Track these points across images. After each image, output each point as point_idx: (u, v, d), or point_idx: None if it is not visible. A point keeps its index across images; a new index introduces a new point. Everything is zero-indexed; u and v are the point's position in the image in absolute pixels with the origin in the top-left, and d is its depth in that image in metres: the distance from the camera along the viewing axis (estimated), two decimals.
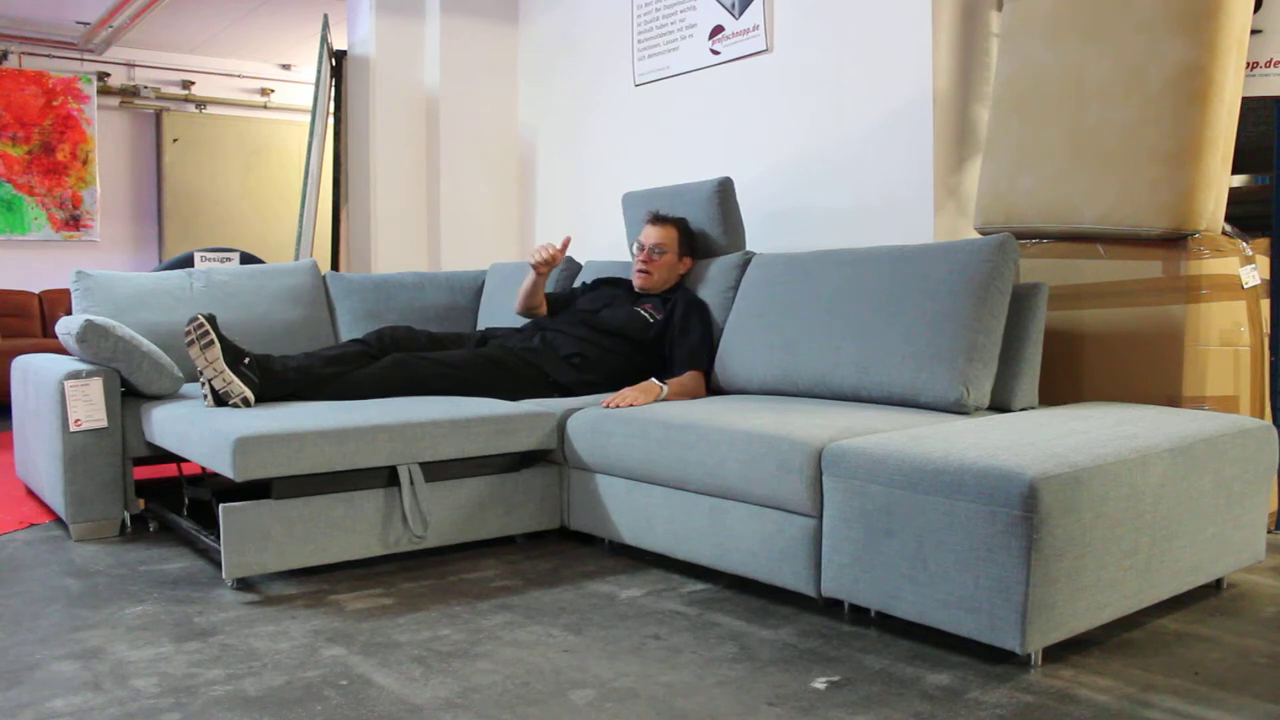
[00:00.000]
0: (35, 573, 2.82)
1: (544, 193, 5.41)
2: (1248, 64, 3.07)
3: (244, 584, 2.68)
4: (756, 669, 2.08)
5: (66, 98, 7.58)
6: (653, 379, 3.18)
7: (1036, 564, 1.97)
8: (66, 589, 2.67)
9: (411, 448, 2.80)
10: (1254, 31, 3.07)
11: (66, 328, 3.23)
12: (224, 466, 2.61)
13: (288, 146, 8.29)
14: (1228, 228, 3.05)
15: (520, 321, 3.72)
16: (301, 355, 3.17)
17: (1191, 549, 2.33)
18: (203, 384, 2.93)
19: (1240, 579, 2.65)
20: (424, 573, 2.79)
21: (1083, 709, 1.87)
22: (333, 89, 5.61)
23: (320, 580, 2.72)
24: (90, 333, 3.07)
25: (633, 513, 2.85)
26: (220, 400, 2.92)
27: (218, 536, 2.64)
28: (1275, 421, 3.09)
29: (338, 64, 5.62)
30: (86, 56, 7.64)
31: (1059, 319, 3.08)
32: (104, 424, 3.14)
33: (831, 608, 2.44)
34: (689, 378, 3.26)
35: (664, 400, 3.06)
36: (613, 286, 3.70)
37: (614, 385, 3.29)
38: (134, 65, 7.97)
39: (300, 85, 8.43)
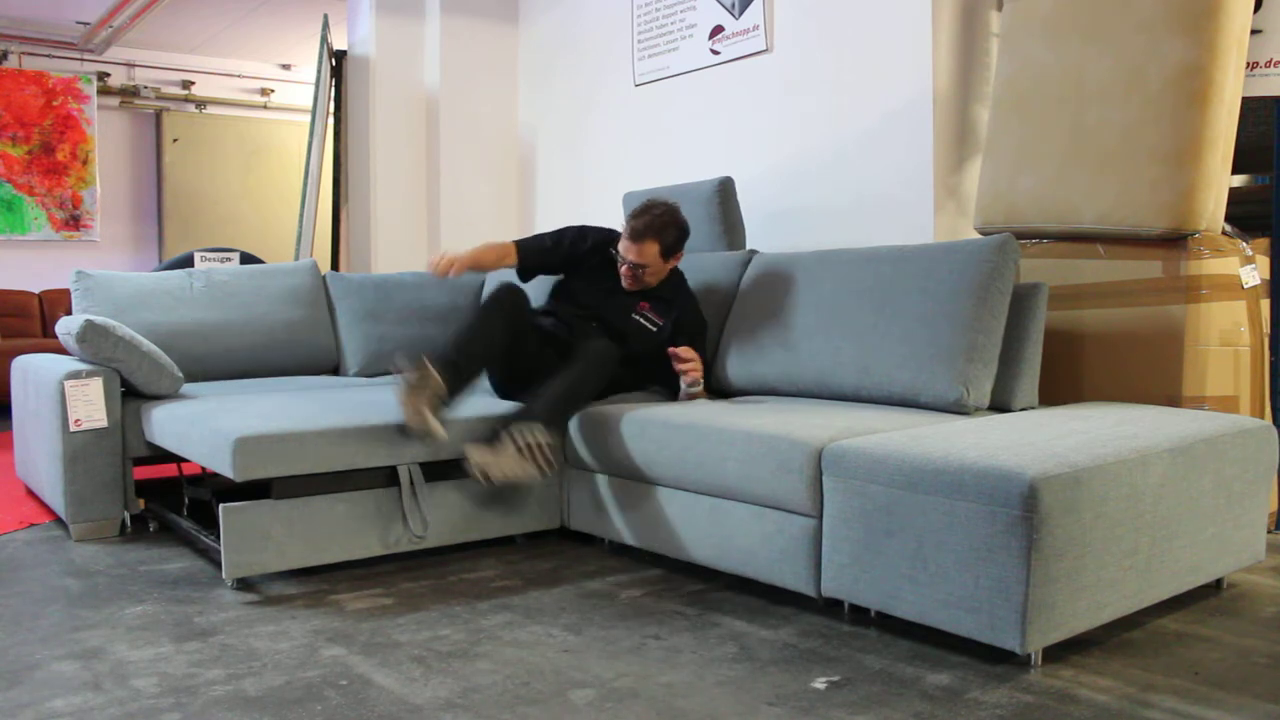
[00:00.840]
0: (35, 573, 2.82)
1: (544, 193, 5.41)
2: (1248, 64, 3.07)
3: (244, 584, 2.68)
4: (756, 669, 2.08)
5: (66, 98, 7.57)
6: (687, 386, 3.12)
7: (1036, 564, 1.97)
8: (66, 589, 2.67)
9: (411, 448, 2.80)
10: (1254, 31, 3.07)
11: (66, 328, 3.23)
12: (224, 466, 2.61)
13: (288, 146, 8.28)
14: (1228, 228, 3.05)
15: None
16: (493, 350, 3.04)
17: (1191, 549, 2.33)
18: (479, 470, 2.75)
19: (1240, 579, 2.65)
20: (424, 573, 2.79)
21: (1083, 709, 1.87)
22: (333, 89, 5.61)
23: (320, 580, 2.72)
24: (90, 333, 3.07)
25: (633, 513, 2.85)
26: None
27: (218, 536, 2.64)
28: (1275, 421, 3.09)
29: (338, 64, 5.62)
30: (86, 56, 7.64)
31: (1059, 319, 3.08)
32: (104, 424, 3.14)
33: (831, 608, 2.44)
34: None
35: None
36: (607, 266, 3.37)
37: (612, 389, 3.19)
38: (134, 65, 7.97)
39: (300, 85, 8.43)
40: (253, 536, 2.61)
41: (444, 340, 3.16)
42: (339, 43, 5.67)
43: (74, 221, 7.64)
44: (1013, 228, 3.17)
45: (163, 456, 3.26)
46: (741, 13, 4.19)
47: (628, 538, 2.88)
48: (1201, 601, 2.48)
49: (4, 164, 7.38)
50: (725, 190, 3.69)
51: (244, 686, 2.00)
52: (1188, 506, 2.30)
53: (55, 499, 3.22)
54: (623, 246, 3.26)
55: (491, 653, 2.18)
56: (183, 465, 3.32)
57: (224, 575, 2.61)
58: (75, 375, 3.10)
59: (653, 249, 3.20)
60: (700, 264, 3.60)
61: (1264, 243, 3.17)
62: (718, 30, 4.30)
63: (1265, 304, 3.13)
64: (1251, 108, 3.19)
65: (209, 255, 5.32)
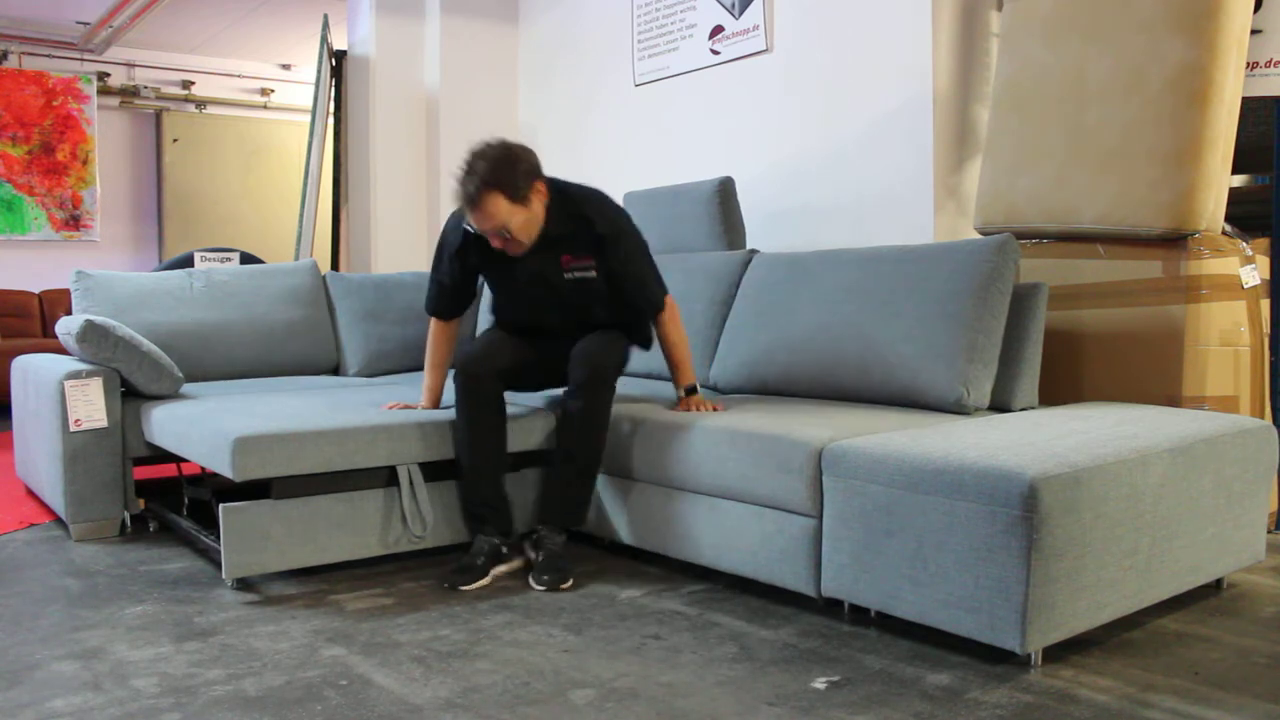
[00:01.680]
0: (35, 573, 2.82)
1: None
2: (1248, 64, 3.07)
3: (244, 584, 2.68)
4: (756, 669, 2.08)
5: (66, 98, 7.57)
6: (684, 393, 2.92)
7: (1036, 564, 1.97)
8: (66, 589, 2.67)
9: (411, 448, 2.80)
10: (1254, 31, 3.07)
11: (66, 328, 3.23)
12: (224, 466, 2.61)
13: (288, 146, 8.28)
14: (1228, 228, 3.05)
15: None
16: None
17: (1191, 549, 2.33)
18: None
19: (1240, 579, 2.65)
20: (424, 573, 2.79)
21: (1083, 709, 1.87)
22: (333, 89, 5.61)
23: (320, 580, 2.72)
24: (90, 333, 3.07)
25: (633, 513, 2.85)
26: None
27: (218, 536, 2.64)
28: (1275, 421, 3.09)
29: (338, 64, 5.62)
30: (86, 56, 7.64)
31: (1059, 319, 3.08)
32: (104, 424, 3.14)
33: (831, 608, 2.44)
34: (677, 334, 2.96)
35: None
36: (489, 249, 2.86)
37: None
38: (134, 65, 7.97)
39: (300, 85, 8.43)
40: (253, 536, 2.61)
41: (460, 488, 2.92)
42: (339, 43, 5.67)
43: (74, 221, 7.64)
44: (1013, 228, 3.17)
45: (163, 456, 3.26)
46: (741, 13, 4.19)
47: (628, 537, 2.88)
48: (1201, 601, 2.48)
49: (4, 164, 7.38)
50: (725, 190, 3.69)
51: (244, 686, 2.00)
52: (1188, 506, 2.30)
53: (55, 499, 3.22)
54: (470, 219, 2.78)
55: (491, 653, 2.18)
56: (183, 465, 3.32)
57: (224, 575, 2.61)
58: (75, 375, 3.10)
59: (497, 203, 2.69)
60: (700, 264, 3.60)
61: (1264, 243, 3.17)
62: (718, 30, 4.31)
63: (1265, 304, 3.13)
64: (1251, 108, 3.19)
65: (209, 255, 5.32)
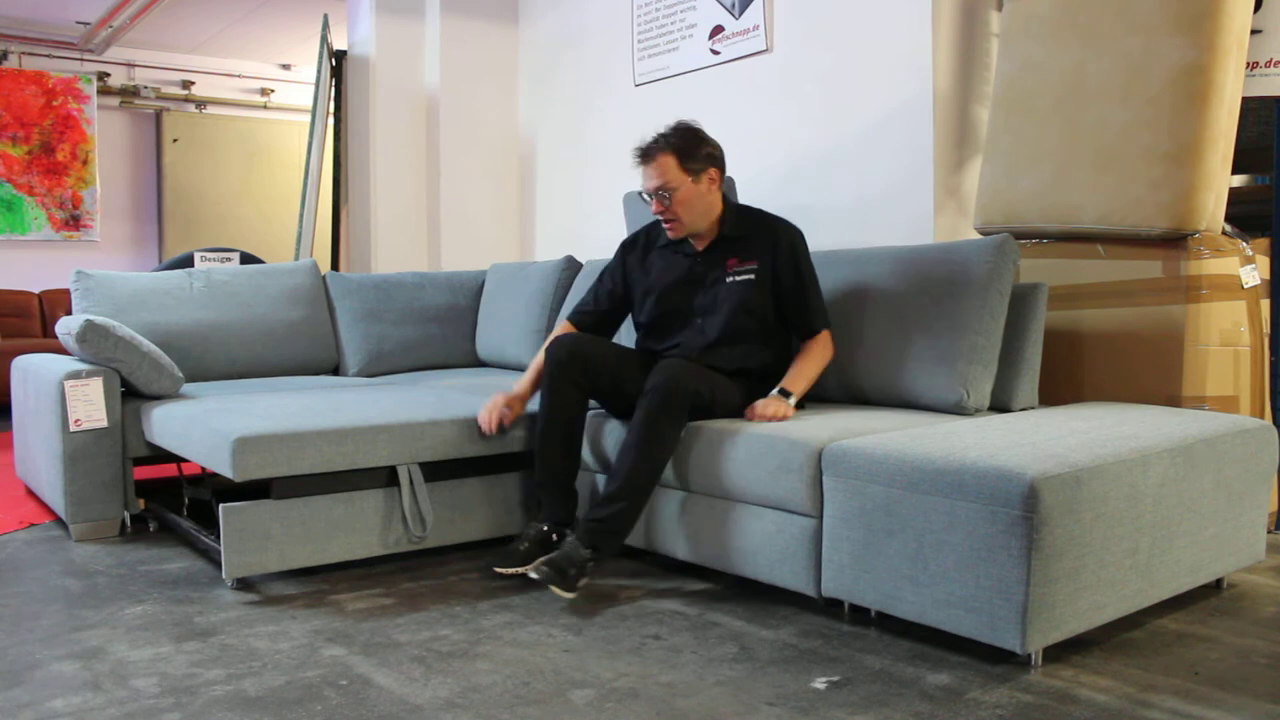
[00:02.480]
0: (35, 573, 2.82)
1: (544, 193, 5.41)
2: (1248, 64, 3.07)
3: (244, 584, 2.68)
4: (756, 669, 2.08)
5: (66, 98, 7.57)
6: (777, 391, 2.69)
7: (1036, 564, 1.97)
8: (66, 589, 2.67)
9: (411, 448, 2.80)
10: (1254, 31, 3.07)
11: (66, 328, 3.23)
12: (224, 466, 2.61)
13: (288, 146, 8.28)
14: (1228, 228, 3.05)
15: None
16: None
17: (1191, 549, 2.33)
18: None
19: (1240, 579, 2.65)
20: (424, 573, 2.79)
21: (1083, 709, 1.87)
22: (333, 89, 5.61)
23: (320, 580, 2.72)
24: (90, 333, 3.07)
25: None
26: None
27: (218, 536, 2.64)
28: (1275, 421, 3.09)
29: (338, 64, 5.62)
30: (86, 56, 7.64)
31: (1059, 319, 3.08)
32: (104, 424, 3.14)
33: (831, 608, 2.44)
34: (816, 356, 2.77)
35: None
36: (655, 251, 2.90)
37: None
38: (134, 65, 7.97)
39: (300, 85, 8.43)
40: (253, 536, 2.61)
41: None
42: (339, 43, 5.67)
43: (74, 221, 7.64)
44: (1013, 228, 3.17)
45: (163, 456, 3.26)
46: (741, 13, 4.19)
47: (628, 537, 2.87)
48: (1201, 601, 2.48)
49: (4, 164, 7.38)
50: (726, 190, 3.68)
51: (244, 686, 2.00)
52: (1188, 506, 2.30)
53: (55, 499, 3.22)
54: (641, 181, 2.81)
55: (491, 653, 2.18)
56: (183, 465, 3.32)
57: (224, 575, 2.61)
58: (75, 375, 3.10)
59: (668, 161, 2.72)
60: None
61: (1264, 243, 3.17)
62: (718, 30, 4.30)
63: (1265, 304, 3.13)
64: (1251, 108, 3.19)
65: (209, 255, 5.32)
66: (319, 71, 5.67)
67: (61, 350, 3.54)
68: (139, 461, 3.27)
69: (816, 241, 3.75)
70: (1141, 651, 2.16)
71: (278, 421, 2.67)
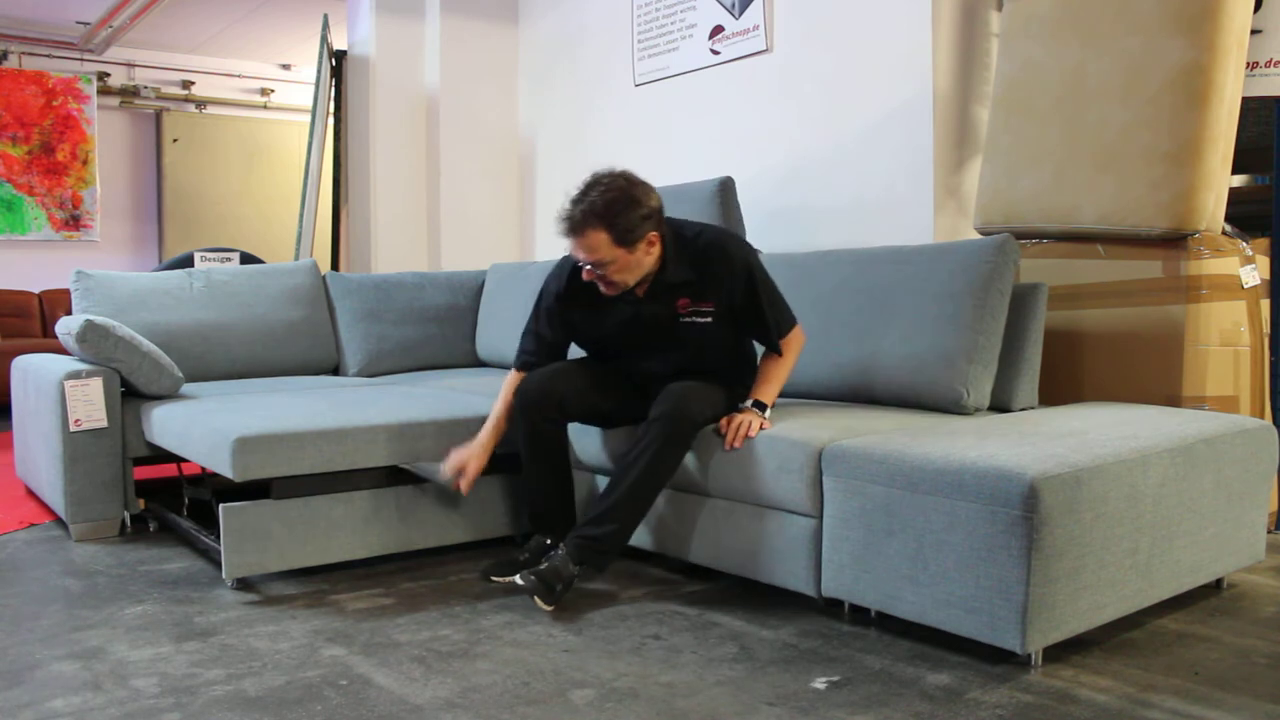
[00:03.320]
0: (35, 573, 2.82)
1: (544, 193, 5.41)
2: (1248, 64, 3.07)
3: (244, 584, 2.68)
4: (756, 669, 2.08)
5: (66, 98, 7.57)
6: (748, 404, 2.61)
7: (1036, 564, 1.97)
8: (66, 589, 2.67)
9: (411, 448, 2.80)
10: (1254, 31, 3.07)
11: (66, 328, 3.23)
12: (224, 466, 2.61)
13: (288, 146, 8.28)
14: (1228, 228, 3.05)
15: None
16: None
17: (1191, 549, 2.33)
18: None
19: (1240, 579, 2.65)
20: (424, 573, 2.79)
21: (1083, 709, 1.87)
22: (333, 89, 5.61)
23: (320, 580, 2.72)
24: (90, 333, 3.07)
25: None
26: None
27: (218, 536, 2.64)
28: (1275, 421, 3.09)
29: (338, 64, 5.62)
30: (86, 56, 7.64)
31: (1059, 319, 3.08)
32: (104, 424, 3.14)
33: (831, 608, 2.44)
34: (786, 359, 2.69)
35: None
36: (594, 298, 2.70)
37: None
38: (134, 65, 7.97)
39: (300, 85, 8.43)
40: (253, 536, 2.61)
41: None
42: (339, 43, 5.67)
43: (74, 221, 7.64)
44: (1013, 228, 3.17)
45: (163, 456, 3.26)
46: (741, 13, 4.19)
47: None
48: (1201, 601, 2.48)
49: (4, 164, 7.38)
50: (725, 190, 3.69)
51: (244, 686, 2.00)
52: (1188, 506, 2.30)
53: (55, 499, 3.22)
54: (568, 247, 2.61)
55: (491, 653, 2.18)
56: (183, 465, 3.32)
57: (224, 575, 2.61)
58: (75, 375, 3.10)
59: (600, 238, 2.51)
60: None
61: (1264, 243, 3.17)
62: (718, 30, 4.30)
63: (1265, 304, 3.13)
64: (1251, 108, 3.19)
65: (209, 255, 5.32)
66: (319, 71, 5.67)
67: (61, 350, 3.54)
68: (139, 461, 3.27)
69: (817, 241, 3.77)
70: (1141, 651, 2.16)
71: (278, 421, 2.67)
